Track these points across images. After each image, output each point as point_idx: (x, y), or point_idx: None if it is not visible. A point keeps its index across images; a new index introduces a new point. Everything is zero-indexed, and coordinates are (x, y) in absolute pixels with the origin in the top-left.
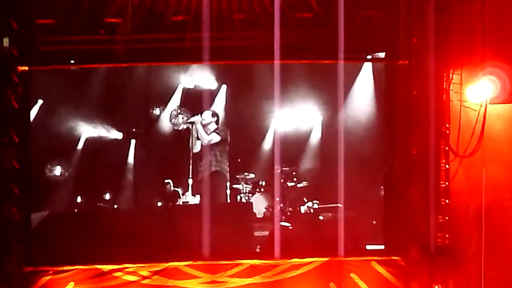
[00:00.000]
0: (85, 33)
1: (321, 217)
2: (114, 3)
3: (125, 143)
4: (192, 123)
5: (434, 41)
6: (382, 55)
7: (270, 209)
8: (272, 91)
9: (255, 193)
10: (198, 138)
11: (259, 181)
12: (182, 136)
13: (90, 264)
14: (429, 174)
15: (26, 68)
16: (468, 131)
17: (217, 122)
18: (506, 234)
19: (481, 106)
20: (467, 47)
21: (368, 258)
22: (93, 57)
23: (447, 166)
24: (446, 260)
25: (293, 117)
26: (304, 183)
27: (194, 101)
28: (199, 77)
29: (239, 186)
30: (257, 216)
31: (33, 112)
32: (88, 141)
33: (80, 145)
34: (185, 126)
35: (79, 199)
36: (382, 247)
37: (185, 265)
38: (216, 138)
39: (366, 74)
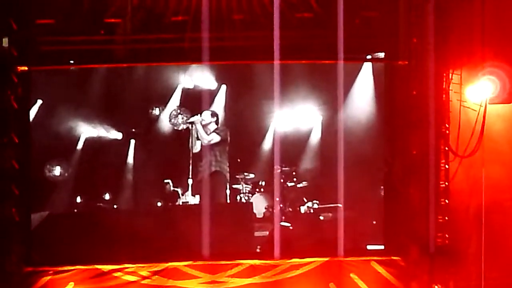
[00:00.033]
0: (84, 33)
1: (321, 217)
2: (114, 4)
3: (124, 143)
4: (192, 123)
5: (434, 41)
6: (381, 55)
7: (270, 209)
8: (272, 91)
9: (255, 193)
10: (198, 138)
11: (259, 181)
12: (182, 136)
13: (90, 264)
14: (429, 174)
15: (26, 68)
16: (468, 131)
17: (216, 122)
18: (506, 234)
19: (481, 106)
20: (467, 47)
21: (368, 258)
22: (92, 57)
23: (447, 166)
24: (446, 260)
25: (293, 117)
26: (304, 183)
27: (194, 101)
28: (198, 77)
29: (239, 186)
30: (257, 216)
31: (33, 112)
32: (88, 141)
33: (79, 145)
34: (184, 126)
35: (78, 199)
36: (382, 247)
37: (185, 265)
38: (216, 138)
39: (366, 74)
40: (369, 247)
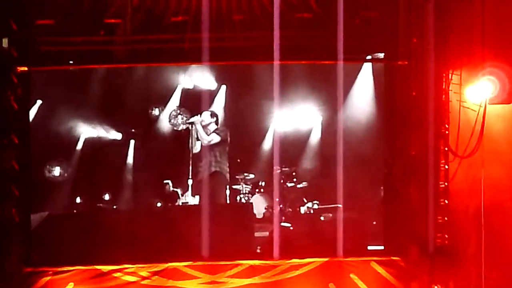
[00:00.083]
0: (84, 34)
1: (322, 218)
2: (114, 4)
3: (124, 143)
4: (192, 123)
5: (434, 42)
6: (381, 55)
7: (270, 210)
8: (271, 91)
9: (254, 194)
10: (198, 139)
11: (258, 182)
12: (182, 137)
13: (90, 265)
14: (429, 175)
15: (26, 68)
16: (468, 131)
17: (216, 123)
18: (505, 234)
19: (481, 106)
20: (466, 48)
21: (368, 258)
22: (92, 57)
23: (446, 167)
24: (446, 261)
25: (293, 117)
26: (304, 184)
27: (194, 102)
28: (198, 77)
29: (239, 187)
30: (257, 216)
31: (33, 113)
32: (88, 141)
33: (79, 146)
34: (184, 127)
35: (78, 200)
36: (382, 247)
37: (185, 266)
38: (216, 138)
39: (366, 75)
40: (369, 247)
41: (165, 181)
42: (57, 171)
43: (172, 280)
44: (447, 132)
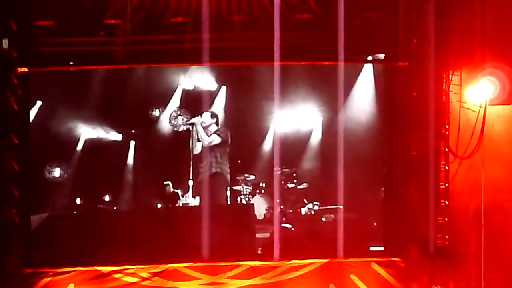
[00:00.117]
0: (84, 35)
1: (323, 219)
2: (114, 5)
3: (124, 144)
4: (193, 124)
5: (434, 42)
6: (382, 56)
7: (271, 211)
8: (272, 92)
9: (255, 195)
10: (198, 140)
11: (259, 183)
12: (182, 138)
13: (90, 266)
14: (429, 175)
15: (26, 69)
16: (468, 132)
17: (217, 124)
18: (505, 235)
19: (481, 107)
20: (466, 48)
21: (368, 259)
22: (92, 58)
23: (446, 167)
24: (446, 261)
25: (293, 118)
26: (305, 185)
27: (194, 103)
28: (198, 78)
29: (240, 188)
30: (258, 217)
31: (33, 114)
32: (88, 142)
33: (79, 147)
34: (184, 128)
35: (78, 201)
36: (382, 248)
37: (185, 267)
38: (216, 139)
39: (366, 75)
40: (371, 248)
41: (165, 182)
42: (57, 171)
43: (172, 281)
44: (447, 132)
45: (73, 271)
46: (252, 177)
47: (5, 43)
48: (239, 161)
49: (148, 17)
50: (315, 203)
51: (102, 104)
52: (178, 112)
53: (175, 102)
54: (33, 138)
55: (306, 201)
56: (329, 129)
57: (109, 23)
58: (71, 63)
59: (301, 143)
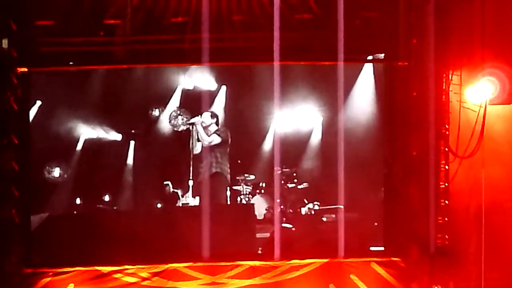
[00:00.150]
0: (84, 35)
1: (324, 219)
2: (114, 5)
3: (124, 144)
4: (193, 124)
5: (434, 42)
6: (381, 56)
7: (271, 211)
8: (272, 92)
9: (255, 195)
10: (198, 140)
11: (259, 183)
12: (182, 137)
13: (90, 266)
14: (429, 175)
15: (25, 69)
16: (468, 132)
17: (217, 123)
18: (506, 235)
19: (481, 107)
20: (466, 48)
21: (368, 259)
22: (92, 58)
23: (446, 167)
24: (446, 261)
25: (293, 118)
26: (305, 185)
27: (194, 102)
28: (198, 78)
29: (240, 188)
30: (258, 217)
31: (32, 114)
32: (87, 142)
33: (79, 147)
34: (184, 127)
35: (78, 201)
36: (382, 248)
37: (185, 267)
38: (216, 139)
39: (366, 75)
40: (372, 248)
41: (165, 182)
42: (57, 172)
43: (172, 281)
44: (447, 132)
45: (73, 271)
46: (252, 177)
47: (5, 43)
48: (239, 161)
49: (148, 17)
50: (315, 203)
51: (102, 104)
52: (178, 112)
53: (175, 102)
54: (33, 138)
55: (306, 201)
56: (329, 129)
57: (109, 23)
58: (71, 63)
59: (301, 143)
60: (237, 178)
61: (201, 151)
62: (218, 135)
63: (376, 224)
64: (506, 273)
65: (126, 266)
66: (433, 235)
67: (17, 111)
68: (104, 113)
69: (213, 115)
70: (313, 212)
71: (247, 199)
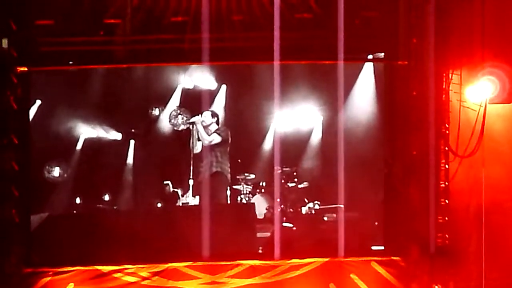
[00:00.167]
0: (84, 34)
1: (325, 218)
2: (114, 4)
3: (124, 143)
4: (193, 123)
5: (434, 42)
6: (381, 55)
7: (271, 210)
8: (272, 91)
9: (255, 194)
10: (198, 139)
11: (259, 182)
12: (182, 137)
13: (90, 265)
14: (429, 175)
15: (25, 69)
16: (468, 131)
17: (217, 123)
18: (506, 235)
19: (481, 106)
20: (466, 48)
21: (368, 258)
22: (92, 58)
23: (447, 166)
24: (446, 261)
25: (294, 117)
26: (305, 184)
27: (194, 102)
28: (198, 77)
29: (240, 187)
30: (258, 217)
31: (32, 113)
32: (87, 142)
33: (79, 146)
34: (184, 127)
35: (78, 200)
36: (382, 247)
37: (185, 266)
38: (217, 138)
39: (367, 75)
40: (373, 247)
41: (165, 182)
42: (57, 171)
43: (172, 281)
44: (447, 132)
45: (73, 270)
46: (253, 176)
47: (5, 42)
48: (240, 160)
49: (148, 16)
50: (316, 202)
51: (102, 104)
52: (178, 111)
53: (175, 101)
54: (33, 137)
55: (306, 200)
56: (329, 128)
57: (109, 22)
58: (71, 62)
59: (301, 142)
60: (238, 177)
61: (201, 150)
62: (218, 134)
63: (376, 223)
64: (506, 272)
65: (126, 266)
66: (433, 234)
67: (17, 110)
68: (104, 113)
69: (213, 115)
70: (313, 212)
71: (247, 198)
